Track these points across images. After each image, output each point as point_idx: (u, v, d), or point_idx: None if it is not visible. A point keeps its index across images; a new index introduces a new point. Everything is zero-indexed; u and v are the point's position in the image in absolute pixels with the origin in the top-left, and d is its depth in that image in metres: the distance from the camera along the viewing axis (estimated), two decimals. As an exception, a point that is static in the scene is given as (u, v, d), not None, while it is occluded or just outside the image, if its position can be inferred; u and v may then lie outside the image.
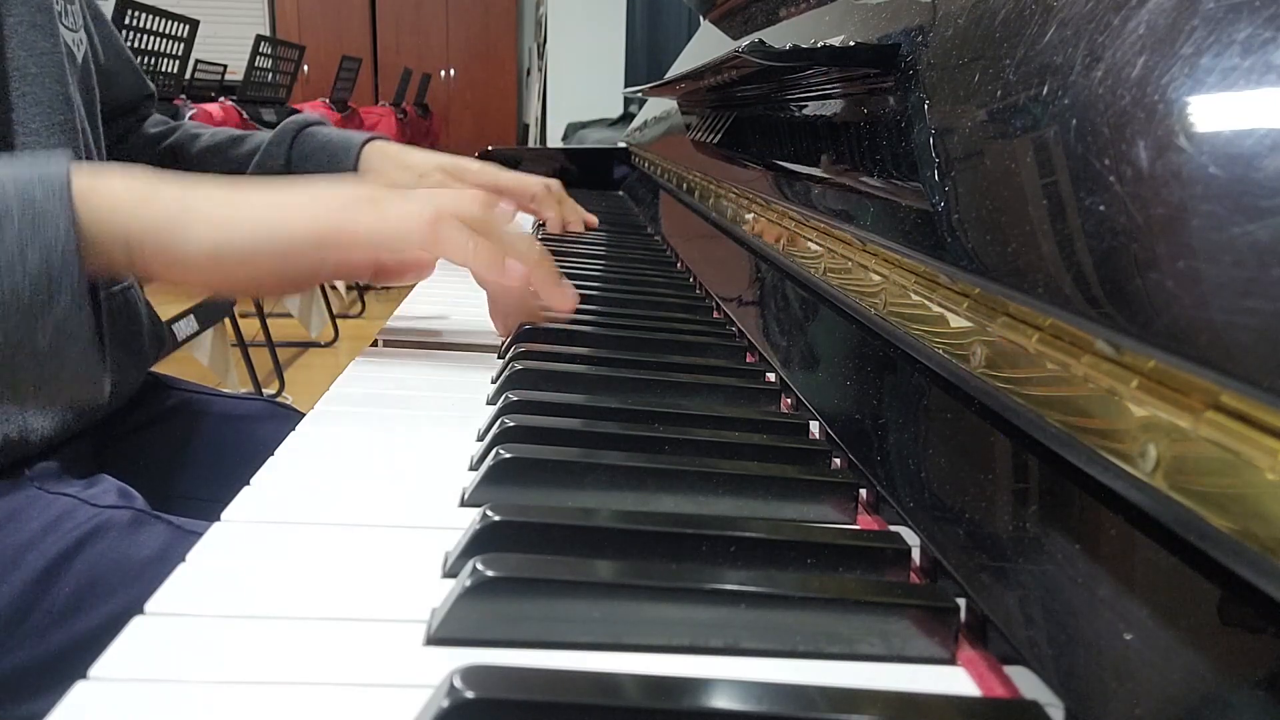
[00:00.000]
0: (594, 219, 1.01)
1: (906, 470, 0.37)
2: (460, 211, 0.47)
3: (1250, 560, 0.20)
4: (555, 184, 0.96)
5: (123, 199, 0.41)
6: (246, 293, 0.46)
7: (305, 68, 5.23)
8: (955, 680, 0.28)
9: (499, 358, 0.57)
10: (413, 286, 0.74)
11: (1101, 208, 0.26)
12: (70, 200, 0.39)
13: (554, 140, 5.31)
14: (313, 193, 0.45)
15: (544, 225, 1.00)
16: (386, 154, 0.85)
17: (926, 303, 0.38)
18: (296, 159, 0.84)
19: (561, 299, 0.54)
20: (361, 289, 3.92)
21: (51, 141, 0.62)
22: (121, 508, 0.57)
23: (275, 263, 0.43)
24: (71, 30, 0.68)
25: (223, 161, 0.86)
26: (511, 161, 1.54)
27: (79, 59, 0.68)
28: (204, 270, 0.42)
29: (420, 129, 6.49)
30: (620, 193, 1.56)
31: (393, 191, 0.48)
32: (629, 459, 0.38)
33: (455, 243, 0.46)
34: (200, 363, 2.26)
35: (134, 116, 0.88)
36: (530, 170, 1.54)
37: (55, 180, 0.39)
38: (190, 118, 2.99)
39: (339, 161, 0.83)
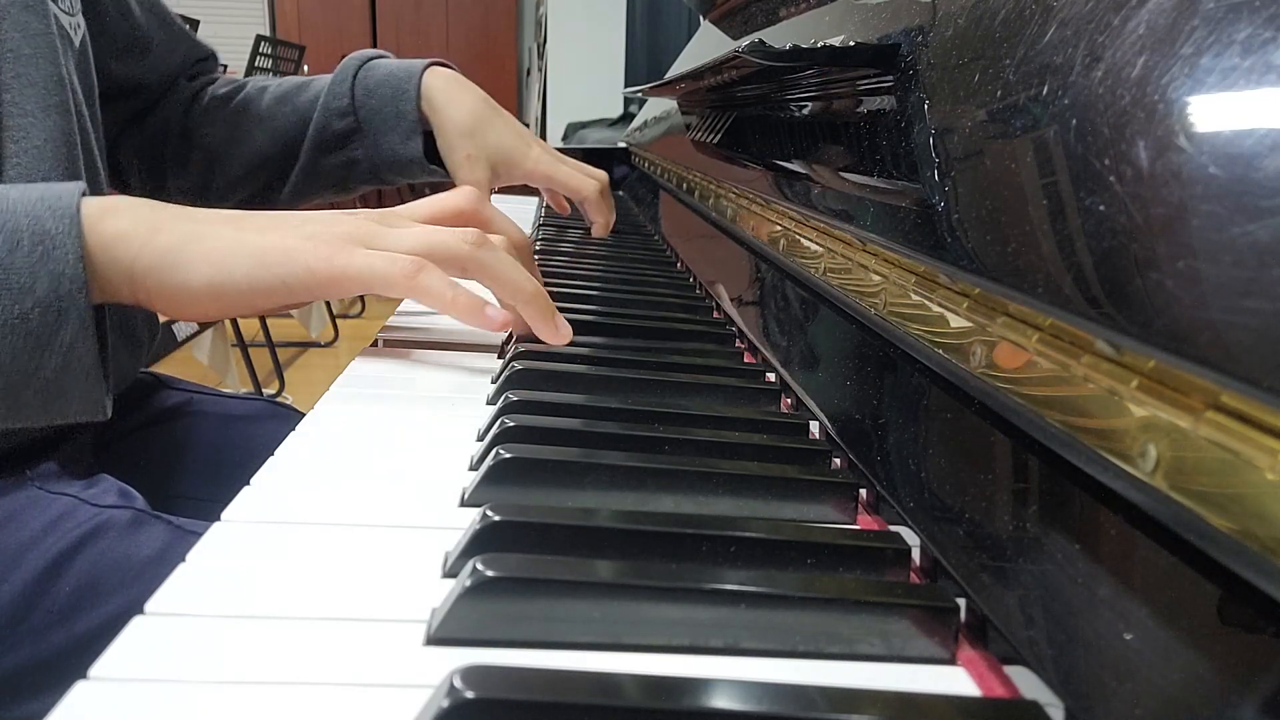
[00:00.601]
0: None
1: (906, 470, 0.37)
2: (450, 253, 0.48)
3: (1250, 560, 0.20)
4: (605, 182, 0.94)
5: (129, 231, 0.42)
6: (241, 316, 0.48)
7: (305, 68, 5.23)
8: (955, 680, 0.28)
9: (499, 358, 0.57)
10: None
11: (1101, 208, 0.26)
12: (80, 230, 0.40)
13: (554, 140, 5.31)
14: (309, 230, 0.46)
15: (543, 218, 1.00)
16: (446, 79, 0.83)
17: (926, 303, 0.38)
18: (360, 94, 0.83)
19: (553, 335, 0.54)
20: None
21: (46, 123, 0.62)
22: (121, 508, 0.57)
23: (270, 299, 0.45)
24: (68, 14, 0.68)
25: (291, 109, 0.85)
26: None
27: (76, 43, 0.68)
28: (202, 304, 0.44)
29: (420, 129, 6.48)
30: (620, 193, 1.56)
31: (385, 229, 0.48)
32: (629, 459, 0.38)
33: (435, 291, 0.47)
34: (200, 363, 2.26)
35: (197, 80, 0.88)
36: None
37: (65, 210, 0.40)
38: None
39: (402, 93, 0.82)
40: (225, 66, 0.92)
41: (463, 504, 0.37)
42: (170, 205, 0.45)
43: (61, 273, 0.39)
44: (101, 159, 0.70)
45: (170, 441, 0.77)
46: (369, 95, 0.83)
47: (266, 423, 0.81)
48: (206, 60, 0.90)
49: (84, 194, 0.42)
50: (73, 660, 0.50)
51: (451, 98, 0.83)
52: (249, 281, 0.43)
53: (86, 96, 0.68)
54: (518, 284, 0.51)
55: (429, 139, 0.85)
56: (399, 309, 0.68)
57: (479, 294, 0.51)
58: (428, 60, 0.86)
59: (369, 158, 0.84)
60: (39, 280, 0.39)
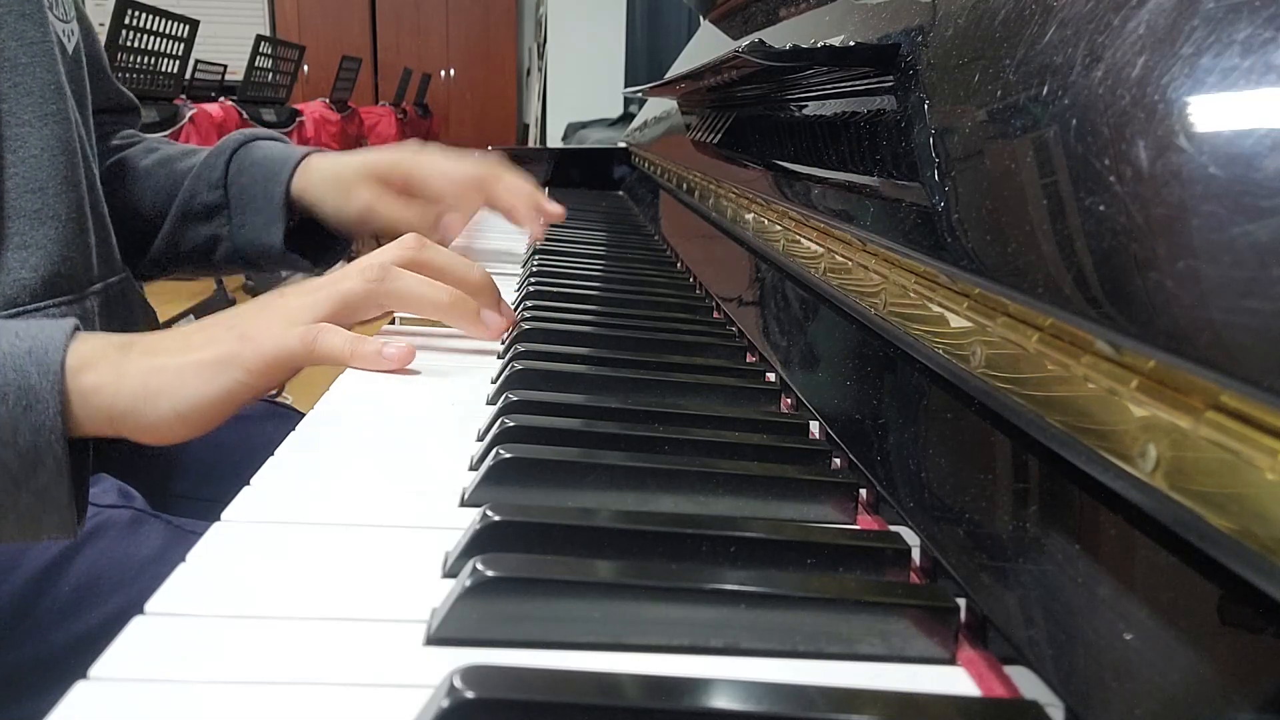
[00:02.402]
0: (555, 209, 0.89)
1: (906, 470, 0.37)
2: (354, 301, 0.51)
3: (1250, 560, 0.20)
4: (491, 172, 0.87)
5: (102, 384, 0.46)
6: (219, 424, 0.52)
7: (305, 68, 5.23)
8: (955, 680, 0.28)
9: (499, 358, 0.57)
10: None
11: (1101, 208, 0.26)
12: (63, 386, 0.44)
13: (554, 140, 5.31)
14: (240, 330, 0.49)
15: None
16: (320, 170, 0.82)
17: (926, 303, 0.38)
18: (234, 171, 0.82)
19: (482, 332, 0.56)
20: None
21: (43, 132, 0.62)
22: (121, 507, 0.57)
23: (230, 406, 0.48)
24: (62, 20, 0.68)
25: (167, 174, 0.84)
26: (511, 162, 1.54)
27: (69, 49, 0.68)
28: (176, 431, 0.48)
29: (420, 129, 6.49)
30: (620, 193, 1.56)
31: (300, 299, 0.51)
32: (629, 459, 0.38)
33: (333, 353, 0.49)
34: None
35: (103, 129, 0.85)
36: (528, 171, 1.54)
37: (50, 367, 0.44)
38: (190, 117, 3.00)
39: (274, 176, 0.81)
40: (139, 115, 0.89)
41: (463, 504, 0.37)
42: (132, 342, 0.49)
43: (42, 424, 0.43)
44: (96, 167, 0.70)
45: (170, 441, 0.77)
46: (240, 173, 0.82)
47: (266, 423, 0.81)
48: (132, 112, 0.89)
49: (67, 344, 0.46)
50: (73, 659, 0.50)
51: (316, 187, 0.81)
52: (203, 402, 0.47)
53: (79, 104, 0.68)
54: (429, 298, 0.53)
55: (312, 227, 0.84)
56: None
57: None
58: (305, 150, 0.84)
59: (231, 237, 0.82)
60: (20, 432, 0.43)
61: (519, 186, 0.86)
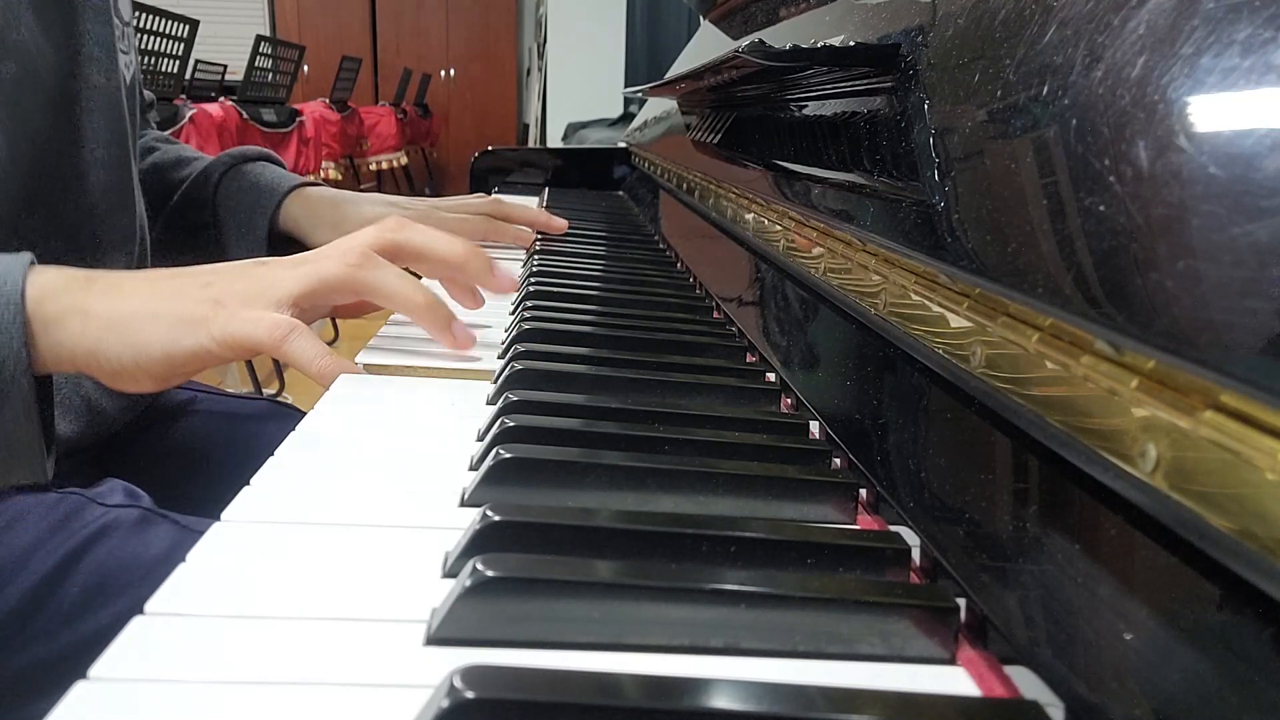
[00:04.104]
0: (561, 223, 0.96)
1: (906, 470, 0.37)
2: (334, 283, 0.50)
3: (1250, 560, 0.20)
4: (490, 204, 0.89)
5: (65, 315, 0.44)
6: (179, 384, 0.50)
7: (305, 68, 5.23)
8: (955, 680, 0.28)
9: (499, 358, 0.57)
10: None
11: (1101, 208, 0.26)
12: (24, 316, 0.43)
13: (554, 140, 5.31)
14: (212, 293, 0.47)
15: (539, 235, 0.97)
16: (316, 205, 0.80)
17: (926, 303, 0.38)
18: (221, 196, 0.81)
19: (450, 343, 0.55)
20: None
21: (108, 158, 0.62)
22: (129, 507, 0.57)
23: (192, 367, 0.47)
24: (124, 52, 0.68)
25: (160, 182, 0.84)
26: (509, 162, 1.54)
27: (128, 81, 0.69)
28: (139, 382, 0.46)
29: (420, 129, 6.50)
30: (620, 193, 1.56)
31: (281, 272, 0.49)
32: (629, 459, 0.38)
33: (301, 358, 0.48)
34: (200, 363, 2.26)
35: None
36: (528, 172, 1.54)
37: (10, 296, 0.42)
38: (190, 117, 3.00)
39: (259, 207, 0.79)
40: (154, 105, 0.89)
41: (463, 504, 0.37)
42: (98, 278, 0.47)
43: (4, 358, 0.42)
44: (137, 191, 0.71)
45: (172, 441, 0.77)
46: (229, 197, 0.81)
47: (266, 422, 0.81)
48: (150, 107, 0.89)
49: (26, 274, 0.44)
50: (82, 659, 0.50)
51: (315, 225, 0.80)
52: (167, 357, 0.46)
53: (132, 133, 0.69)
54: (406, 297, 0.52)
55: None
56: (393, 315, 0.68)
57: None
58: (297, 180, 0.82)
59: (218, 257, 0.81)
60: None
61: (523, 221, 0.91)
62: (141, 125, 0.88)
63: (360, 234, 0.53)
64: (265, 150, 0.87)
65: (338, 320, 3.33)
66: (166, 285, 0.47)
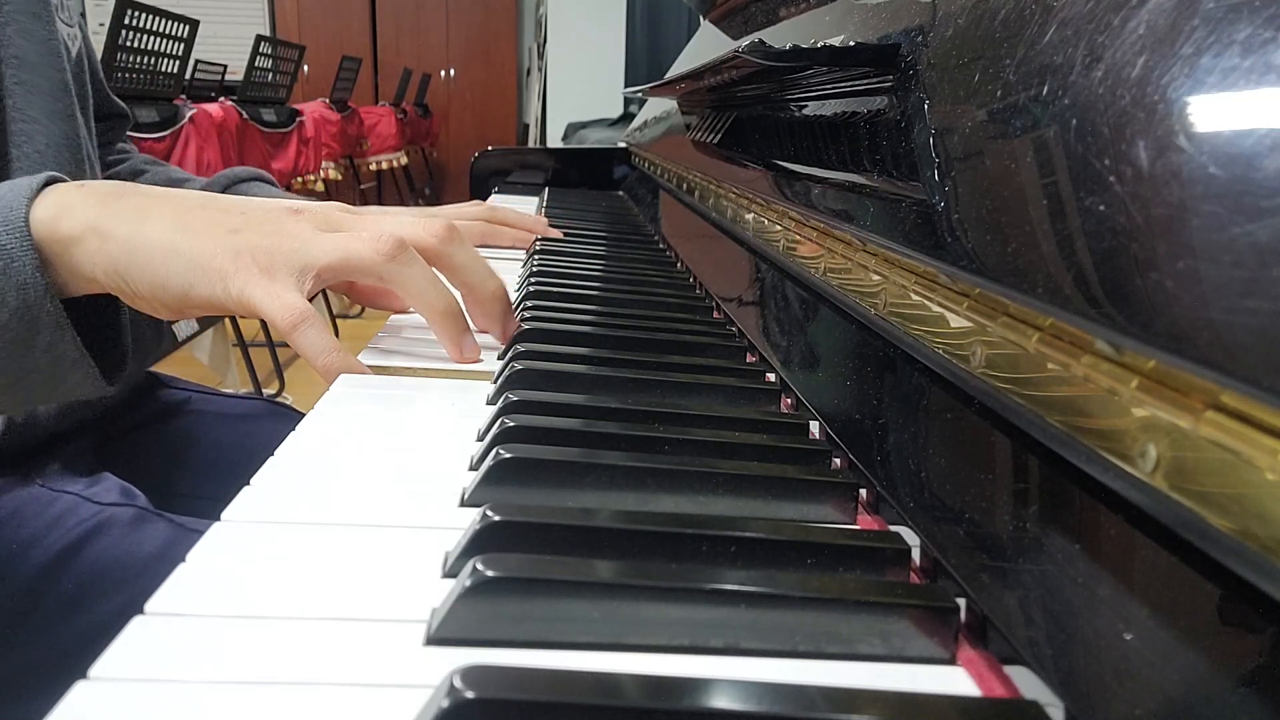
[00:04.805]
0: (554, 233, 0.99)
1: (906, 470, 0.37)
2: (365, 265, 0.48)
3: (1250, 560, 0.20)
4: (486, 210, 0.91)
5: (81, 234, 0.44)
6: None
7: (305, 68, 5.23)
8: (955, 680, 0.28)
9: (499, 358, 0.57)
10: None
11: (1101, 208, 0.26)
12: (32, 241, 0.42)
13: (554, 140, 5.31)
14: (238, 243, 0.46)
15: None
16: None
17: (926, 303, 0.38)
18: None
19: (456, 354, 0.54)
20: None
21: (50, 129, 0.62)
22: (124, 505, 0.57)
23: (207, 310, 0.46)
24: (67, 25, 0.68)
25: None
26: (509, 162, 1.54)
27: (73, 53, 0.69)
28: (157, 310, 0.46)
29: (420, 129, 6.50)
30: (620, 193, 1.56)
31: (314, 238, 0.48)
32: (629, 459, 0.38)
33: (310, 350, 0.47)
34: (201, 362, 2.26)
35: (99, 139, 0.86)
36: (528, 172, 1.54)
37: (15, 223, 0.42)
38: (190, 117, 3.00)
39: None
40: (130, 123, 0.89)
41: (463, 504, 0.37)
42: (124, 195, 0.46)
43: (25, 283, 0.42)
44: (98, 168, 0.71)
45: (170, 440, 0.77)
46: None
47: (266, 423, 0.81)
48: (123, 119, 0.89)
49: (33, 197, 0.44)
50: (76, 657, 0.50)
51: None
52: (184, 297, 0.45)
53: (81, 106, 0.68)
54: (430, 300, 0.51)
55: None
56: (392, 316, 0.68)
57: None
58: (294, 202, 0.83)
59: None
60: (7, 293, 0.42)
61: (518, 226, 0.93)
62: (116, 137, 0.88)
63: (403, 223, 0.51)
64: (258, 170, 0.87)
65: (337, 321, 3.33)
66: (193, 218, 0.46)
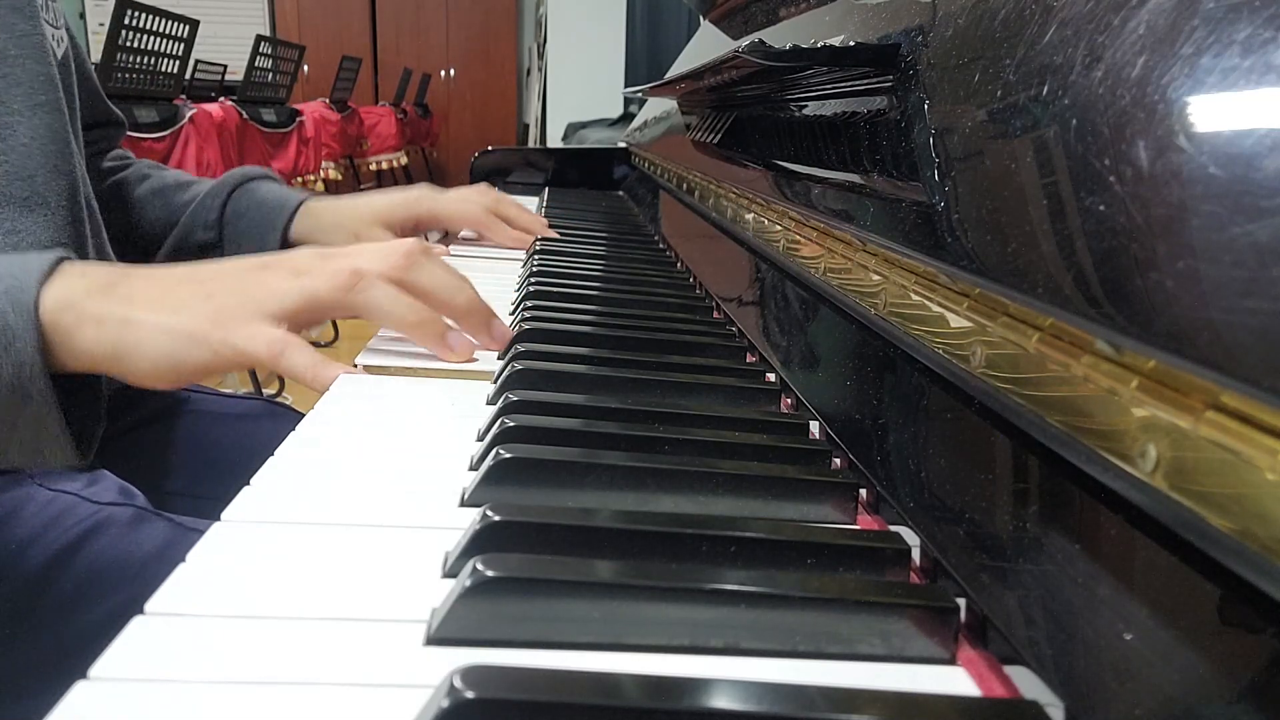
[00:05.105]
0: (541, 224, 1.01)
1: (906, 470, 0.37)
2: (327, 305, 0.51)
3: (1250, 560, 0.20)
4: (493, 200, 0.94)
5: (78, 324, 0.48)
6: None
7: (305, 68, 5.23)
8: (955, 680, 0.28)
9: (499, 358, 0.57)
10: None
11: (1101, 208, 0.26)
12: (38, 326, 0.46)
13: (554, 140, 5.31)
14: (215, 305, 0.50)
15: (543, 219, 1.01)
16: (321, 215, 0.84)
17: (926, 303, 0.38)
18: (230, 214, 0.83)
19: (446, 355, 0.55)
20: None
21: (33, 121, 0.62)
22: (122, 505, 0.57)
23: (202, 375, 0.50)
24: (53, 26, 0.69)
25: (163, 205, 0.85)
26: (509, 162, 1.54)
27: (59, 55, 0.69)
28: (153, 382, 0.50)
29: (420, 129, 6.50)
30: (620, 193, 1.56)
31: (277, 283, 0.51)
32: (629, 459, 0.38)
33: (297, 368, 0.50)
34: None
35: (95, 146, 0.87)
36: (528, 172, 1.54)
37: (25, 307, 0.46)
38: (190, 118, 3.00)
39: (271, 220, 0.82)
40: (124, 128, 0.91)
41: (463, 504, 0.37)
42: (114, 284, 0.49)
43: (22, 362, 0.45)
44: (83, 164, 0.71)
45: (169, 440, 0.77)
46: (238, 217, 0.83)
47: (266, 422, 0.81)
48: (118, 126, 0.90)
49: (43, 281, 0.47)
50: (74, 656, 0.50)
51: (317, 234, 0.83)
52: (174, 366, 0.49)
53: (69, 106, 0.68)
54: (399, 316, 0.53)
55: None
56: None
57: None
58: (304, 195, 0.85)
59: None
60: (4, 368, 0.45)
61: (521, 225, 0.97)
62: (112, 144, 0.88)
63: (367, 254, 0.54)
64: (265, 170, 0.89)
65: (337, 321, 3.34)
66: (174, 295, 0.50)
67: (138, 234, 0.85)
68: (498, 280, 0.82)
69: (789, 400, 0.52)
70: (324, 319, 0.53)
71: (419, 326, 0.54)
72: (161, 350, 0.48)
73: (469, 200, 0.95)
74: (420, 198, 0.90)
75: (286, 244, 0.82)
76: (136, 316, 0.48)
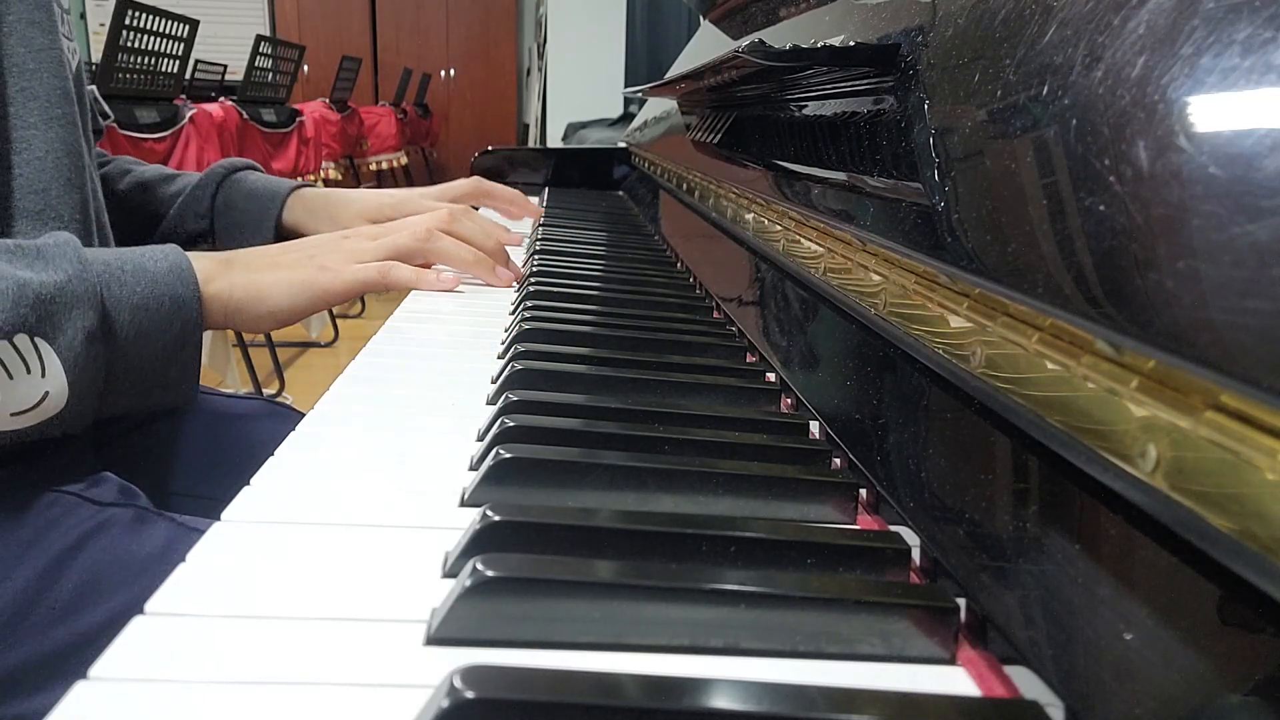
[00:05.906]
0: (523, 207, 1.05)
1: (906, 470, 0.37)
2: (407, 250, 0.72)
3: (1250, 560, 0.20)
4: (447, 219, 0.91)
5: (220, 291, 0.63)
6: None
7: (305, 68, 5.23)
8: (955, 680, 0.28)
9: (499, 358, 0.57)
10: (408, 292, 0.75)
11: (1101, 208, 0.26)
12: (199, 294, 0.60)
13: (554, 140, 5.31)
14: (319, 262, 0.67)
15: (543, 218, 1.03)
16: (312, 203, 0.89)
17: (926, 303, 0.38)
18: (220, 204, 0.87)
19: (496, 281, 0.78)
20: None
21: (48, 135, 0.63)
22: (124, 505, 0.57)
23: (310, 312, 0.67)
24: (67, 38, 0.69)
25: (150, 198, 0.88)
26: (509, 162, 1.54)
27: (72, 67, 0.69)
28: (269, 326, 0.66)
29: (420, 129, 6.50)
30: (620, 193, 1.56)
31: (364, 243, 0.71)
32: (629, 459, 0.38)
33: (404, 278, 0.69)
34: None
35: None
36: (527, 172, 1.54)
37: (191, 282, 0.60)
38: (190, 117, 2.99)
39: (265, 208, 0.87)
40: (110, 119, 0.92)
41: (463, 504, 0.37)
42: (231, 259, 0.65)
43: (188, 319, 0.59)
44: (96, 175, 0.71)
45: (170, 440, 0.77)
46: (229, 206, 0.87)
47: (266, 422, 0.81)
48: (99, 132, 0.91)
49: (191, 264, 0.61)
50: (75, 657, 0.50)
51: (309, 222, 0.88)
52: (292, 310, 0.66)
53: (81, 116, 0.69)
54: (460, 257, 0.76)
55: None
56: (393, 314, 0.69)
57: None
58: (294, 183, 0.90)
59: None
60: (174, 324, 0.58)
61: (502, 198, 1.07)
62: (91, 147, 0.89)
63: (423, 218, 0.75)
64: (250, 161, 0.93)
65: (338, 321, 3.33)
66: (284, 258, 0.67)
67: (121, 228, 0.86)
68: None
69: (789, 400, 0.52)
70: (409, 263, 0.71)
71: (476, 264, 0.76)
72: (283, 298, 0.64)
73: (455, 190, 1.00)
74: (405, 201, 0.94)
75: (280, 230, 0.87)
76: (259, 277, 0.64)
